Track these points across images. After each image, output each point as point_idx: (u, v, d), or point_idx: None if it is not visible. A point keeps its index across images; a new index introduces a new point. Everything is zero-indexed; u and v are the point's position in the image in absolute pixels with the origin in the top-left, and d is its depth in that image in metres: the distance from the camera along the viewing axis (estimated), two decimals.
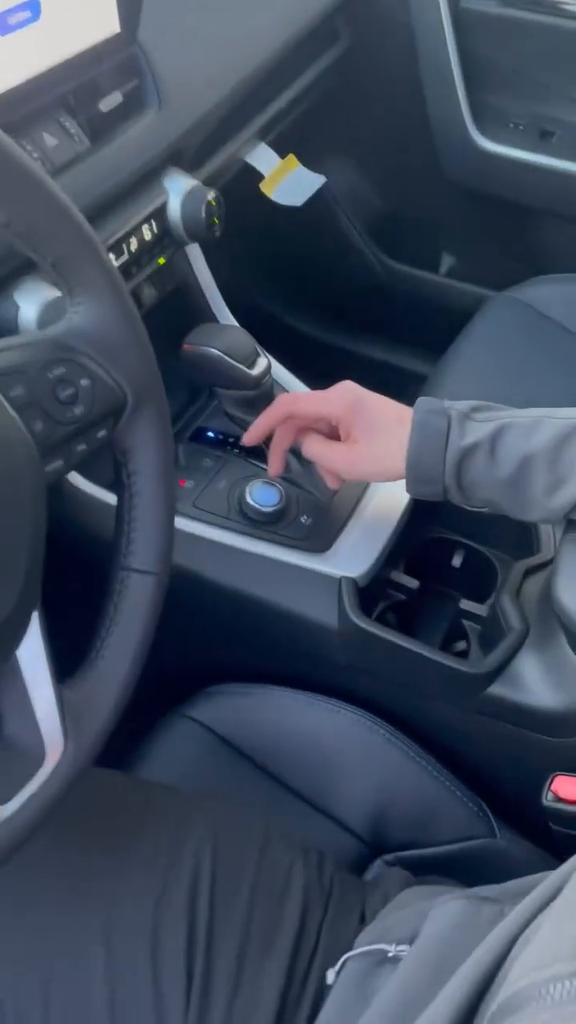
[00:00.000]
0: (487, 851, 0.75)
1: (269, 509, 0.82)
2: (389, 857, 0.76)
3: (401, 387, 1.51)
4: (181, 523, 0.80)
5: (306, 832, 0.75)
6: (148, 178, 0.85)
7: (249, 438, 0.79)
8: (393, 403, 0.73)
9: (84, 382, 0.51)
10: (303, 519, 0.83)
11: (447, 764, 0.78)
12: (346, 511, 0.85)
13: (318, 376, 1.41)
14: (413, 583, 0.86)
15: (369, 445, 0.71)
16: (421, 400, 0.70)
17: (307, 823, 0.76)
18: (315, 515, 0.84)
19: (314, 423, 0.76)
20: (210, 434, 0.90)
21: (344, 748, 0.78)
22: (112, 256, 0.79)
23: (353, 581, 0.79)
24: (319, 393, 0.75)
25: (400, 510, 0.85)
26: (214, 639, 0.88)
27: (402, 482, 0.73)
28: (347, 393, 0.73)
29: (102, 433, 0.52)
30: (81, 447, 0.51)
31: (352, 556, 0.81)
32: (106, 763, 0.61)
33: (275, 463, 0.80)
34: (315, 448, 0.75)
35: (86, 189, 0.76)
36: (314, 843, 0.75)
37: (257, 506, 0.81)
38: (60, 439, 0.50)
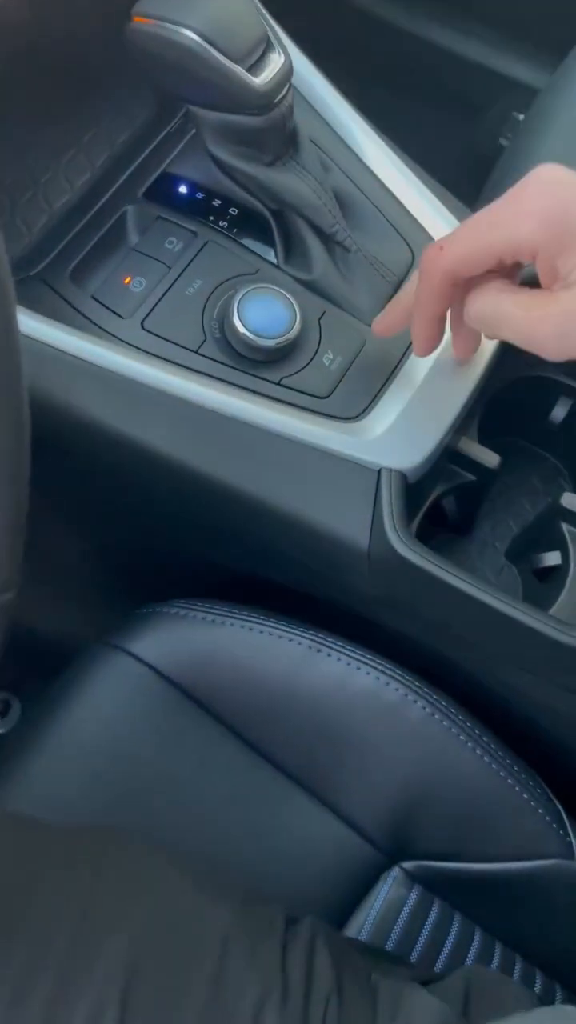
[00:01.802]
0: (559, 877, 0.51)
1: (272, 341, 0.48)
2: (410, 866, 0.53)
3: (492, 101, 1.06)
4: (116, 359, 0.47)
5: (294, 833, 0.52)
6: None
7: (382, 326, 0.48)
8: None
9: None
10: (327, 359, 0.50)
11: (513, 751, 0.53)
12: (399, 349, 0.51)
13: (365, 77, 0.96)
14: (491, 459, 0.55)
15: None
16: None
17: (297, 817, 0.52)
18: (349, 352, 0.50)
19: (487, 266, 0.41)
20: (182, 188, 0.53)
21: (362, 719, 0.52)
22: None
23: (401, 477, 0.48)
24: (492, 210, 0.40)
25: (489, 348, 0.52)
26: (161, 534, 0.58)
27: None
28: (545, 197, 0.39)
29: None
30: None
31: (403, 430, 0.49)
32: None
33: (425, 341, 0.46)
34: (495, 305, 0.41)
35: None
36: (307, 845, 0.52)
37: (251, 334, 0.48)
38: None
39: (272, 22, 0.51)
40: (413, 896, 0.52)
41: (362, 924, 0.51)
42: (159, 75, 0.48)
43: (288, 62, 0.48)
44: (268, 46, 0.48)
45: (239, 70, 0.46)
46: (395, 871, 0.53)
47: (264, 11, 0.51)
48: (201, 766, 0.52)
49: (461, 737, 0.52)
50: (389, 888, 0.53)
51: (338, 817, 0.53)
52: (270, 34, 0.48)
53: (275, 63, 0.47)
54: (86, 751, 0.51)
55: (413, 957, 0.51)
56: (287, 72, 0.48)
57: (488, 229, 0.40)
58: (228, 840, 0.51)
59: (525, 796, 0.52)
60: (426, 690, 0.52)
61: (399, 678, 0.52)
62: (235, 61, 0.46)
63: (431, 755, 0.52)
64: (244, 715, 0.53)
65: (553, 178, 0.39)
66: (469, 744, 0.52)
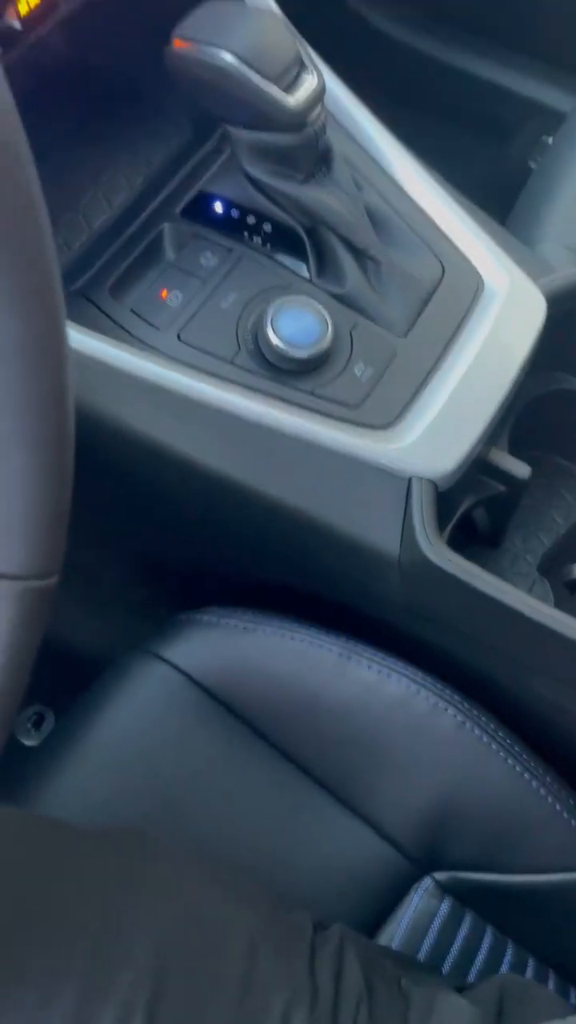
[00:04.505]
0: None
1: (305, 352, 0.49)
2: (442, 877, 0.53)
3: (522, 124, 1.08)
4: (154, 370, 0.49)
5: (325, 841, 0.52)
6: None
7: None
8: None
9: None
10: (358, 369, 0.51)
11: (545, 761, 0.53)
12: (431, 357, 0.52)
13: (398, 102, 0.98)
14: (522, 470, 0.55)
15: None
16: None
17: (327, 825, 0.52)
18: (380, 363, 0.51)
19: None
20: (217, 206, 0.55)
21: (393, 727, 0.52)
22: None
23: (432, 485, 0.49)
24: None
25: (518, 361, 0.52)
26: (195, 543, 0.59)
27: (530, 313, 0.40)
28: None
29: None
30: None
31: (434, 439, 0.50)
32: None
33: None
34: None
35: None
36: (337, 854, 0.52)
37: (284, 345, 0.49)
38: None
39: (305, 44, 0.53)
40: (444, 907, 0.52)
41: (393, 935, 0.51)
42: (198, 96, 0.50)
43: (321, 82, 0.50)
44: (302, 67, 0.49)
45: (274, 89, 0.47)
46: (426, 882, 0.53)
47: (297, 33, 0.53)
48: (232, 772, 0.52)
49: (492, 747, 0.52)
50: (420, 899, 0.52)
51: (369, 826, 0.52)
52: (303, 55, 0.50)
53: (308, 83, 0.49)
54: (120, 754, 0.52)
55: (444, 969, 0.50)
56: (320, 91, 0.49)
57: None
58: (258, 847, 0.51)
59: (558, 807, 0.51)
60: (457, 698, 0.52)
61: (430, 686, 0.52)
62: (271, 81, 0.47)
63: (462, 765, 0.52)
64: (276, 722, 0.53)
65: None
66: (500, 754, 0.52)
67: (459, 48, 1.15)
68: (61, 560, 0.26)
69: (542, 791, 0.52)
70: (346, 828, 0.52)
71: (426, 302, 0.53)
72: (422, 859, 0.53)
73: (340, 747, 0.52)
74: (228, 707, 0.53)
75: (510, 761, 0.52)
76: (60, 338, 0.24)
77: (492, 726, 0.52)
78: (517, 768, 0.52)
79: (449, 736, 0.52)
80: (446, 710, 0.52)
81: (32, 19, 0.47)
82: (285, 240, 0.53)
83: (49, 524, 0.25)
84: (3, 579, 0.25)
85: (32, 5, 0.47)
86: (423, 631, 0.54)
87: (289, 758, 0.53)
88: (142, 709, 0.54)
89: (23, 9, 0.46)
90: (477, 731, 0.52)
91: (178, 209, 0.55)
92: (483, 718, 0.52)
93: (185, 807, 0.51)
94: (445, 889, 0.53)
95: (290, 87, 0.48)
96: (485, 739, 0.52)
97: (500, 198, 0.86)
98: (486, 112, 1.10)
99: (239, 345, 0.50)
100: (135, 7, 0.52)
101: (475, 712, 0.52)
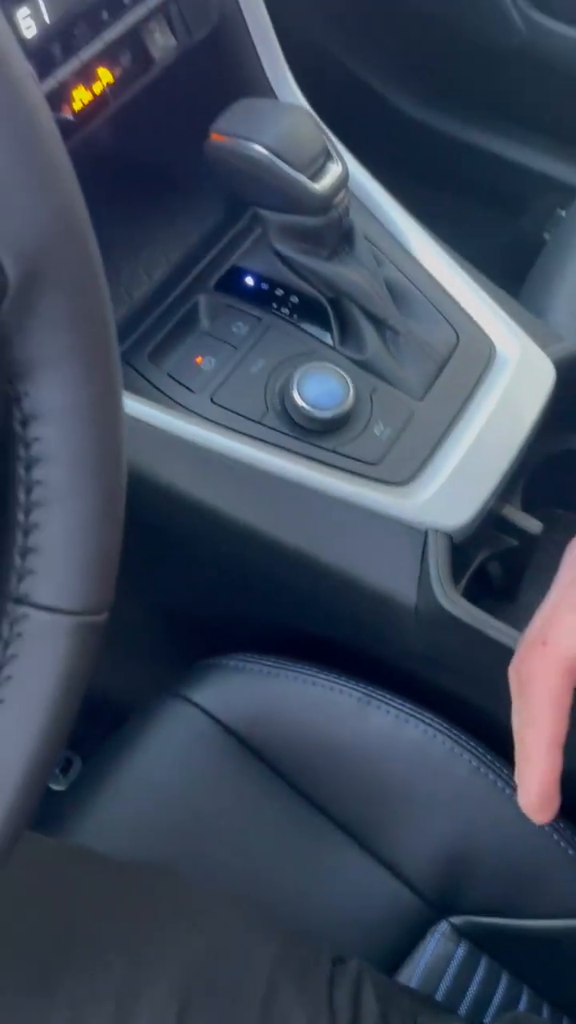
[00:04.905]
0: None
1: (328, 413, 0.53)
2: (458, 921, 0.54)
3: (536, 198, 1.13)
4: (189, 428, 0.52)
5: (343, 883, 0.54)
6: None
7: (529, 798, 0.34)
8: None
9: None
10: (378, 429, 0.54)
11: (562, 809, 0.54)
12: (446, 418, 0.55)
13: (419, 178, 1.04)
14: (534, 526, 0.58)
15: None
16: None
17: (346, 868, 0.54)
18: (398, 423, 0.55)
19: None
20: (248, 280, 0.59)
21: (411, 771, 0.54)
22: None
23: (447, 537, 0.52)
24: None
25: (528, 423, 0.56)
26: (223, 591, 0.62)
27: (539, 379, 0.43)
28: None
29: None
30: None
31: (449, 494, 0.53)
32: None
33: (547, 785, 0.34)
34: None
35: None
36: (355, 895, 0.54)
37: (309, 407, 0.53)
38: None
39: (331, 135, 0.58)
40: (461, 951, 0.53)
41: (409, 977, 0.52)
42: (233, 182, 0.55)
43: (344, 170, 0.54)
44: (327, 156, 0.54)
45: (302, 178, 0.52)
46: (443, 925, 0.54)
47: (324, 126, 0.58)
48: (254, 812, 0.55)
49: (507, 792, 0.54)
50: (437, 942, 0.54)
51: (387, 868, 0.54)
52: (329, 146, 0.55)
53: (333, 171, 0.53)
54: (149, 791, 0.54)
55: (460, 1012, 0.51)
56: (344, 178, 0.54)
57: None
58: (278, 885, 0.53)
59: (571, 852, 0.53)
60: (472, 744, 0.54)
61: (446, 732, 0.54)
62: (299, 170, 0.52)
63: (478, 810, 0.54)
64: (297, 763, 0.55)
65: None
66: (515, 799, 0.54)
67: (476, 126, 1.22)
68: (112, 598, 0.29)
69: (555, 836, 0.53)
70: (364, 870, 0.54)
71: (441, 368, 0.57)
72: (438, 902, 0.54)
73: (359, 790, 0.54)
74: (251, 748, 0.55)
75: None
76: (118, 400, 0.28)
77: (507, 772, 0.54)
78: None
79: (465, 781, 0.54)
80: (462, 755, 0.54)
81: (84, 114, 0.52)
82: (310, 311, 0.57)
83: (102, 565, 0.28)
84: (61, 613, 0.28)
85: (85, 102, 0.52)
86: (439, 678, 0.56)
87: (309, 799, 0.55)
88: (170, 749, 0.56)
89: (77, 106, 0.51)
90: (492, 776, 0.54)
91: (212, 282, 0.59)
92: (498, 764, 0.54)
93: (209, 845, 0.53)
94: (461, 933, 0.54)
95: (317, 175, 0.53)
96: (499, 784, 0.54)
97: (516, 267, 0.91)
98: (502, 186, 1.16)
99: (267, 406, 0.54)
100: (176, 104, 0.58)
101: (490, 757, 0.54)
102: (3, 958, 0.39)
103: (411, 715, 0.55)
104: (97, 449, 0.27)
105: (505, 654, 0.50)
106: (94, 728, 0.67)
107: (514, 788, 0.54)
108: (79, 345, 0.26)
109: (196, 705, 0.56)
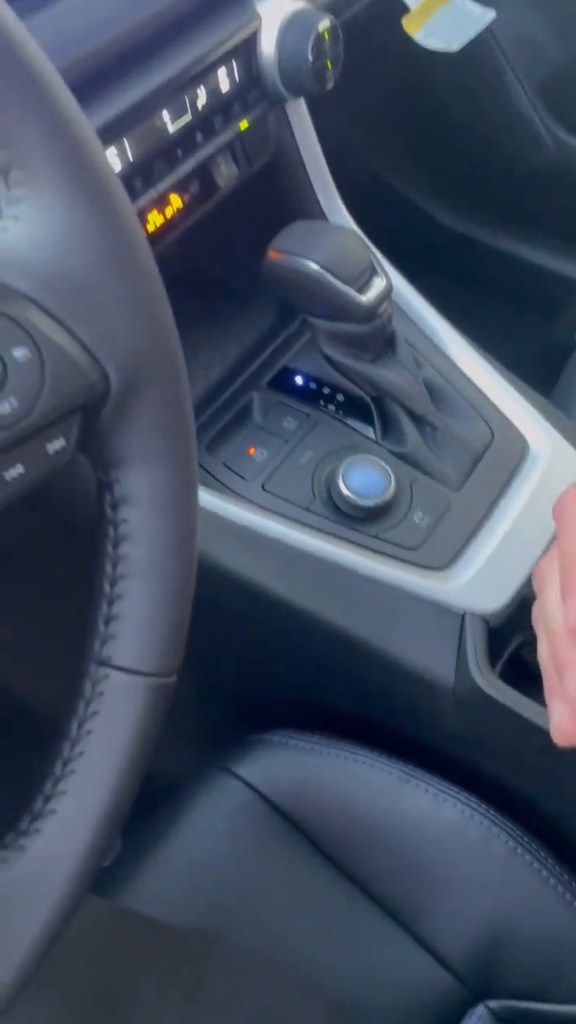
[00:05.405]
0: None
1: (371, 501, 0.57)
2: (495, 1005, 0.54)
3: (568, 303, 1.20)
4: (242, 514, 0.57)
5: (381, 961, 0.54)
6: None
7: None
8: None
9: (20, 354, 0.27)
10: (417, 517, 0.58)
11: None
12: (482, 509, 0.59)
13: (457, 283, 1.11)
14: None
15: None
16: None
17: (384, 946, 0.55)
18: (436, 512, 0.58)
19: None
20: (298, 379, 0.65)
21: (449, 851, 0.56)
22: (166, 116, 0.53)
23: (483, 621, 0.55)
24: None
25: None
26: (269, 668, 0.65)
27: (569, 473, 0.46)
28: None
29: (58, 446, 0.29)
30: (14, 472, 0.28)
31: (485, 580, 0.56)
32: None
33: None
34: None
35: (126, 5, 0.50)
36: (393, 974, 0.54)
37: (353, 496, 0.57)
38: None
39: (376, 251, 0.64)
40: None
41: None
42: (287, 293, 0.61)
43: (388, 283, 0.60)
44: (373, 271, 0.59)
45: (350, 291, 0.57)
46: (480, 1009, 0.54)
47: (370, 244, 0.64)
48: (295, 886, 0.56)
49: (543, 873, 0.55)
50: None
51: (425, 949, 0.55)
52: (374, 262, 0.60)
53: (378, 285, 0.59)
54: (193, 863, 0.56)
55: None
56: (387, 290, 0.60)
57: None
58: (316, 962, 0.54)
59: None
60: (510, 825, 0.56)
61: (483, 812, 0.56)
62: (347, 284, 0.57)
63: (515, 892, 0.55)
64: (337, 840, 0.57)
65: None
66: (551, 881, 0.55)
67: (509, 235, 1.30)
68: (181, 662, 0.33)
69: None
70: (401, 948, 0.55)
71: (477, 461, 0.61)
72: (476, 985, 0.54)
73: (397, 867, 0.56)
74: (293, 823, 0.57)
75: (560, 889, 0.55)
76: (194, 491, 0.32)
77: (543, 853, 0.55)
78: (567, 896, 0.54)
79: (502, 862, 0.55)
80: (499, 835, 0.55)
81: (157, 235, 0.59)
82: (355, 408, 0.62)
83: (175, 632, 0.32)
84: (138, 675, 0.32)
85: (158, 224, 0.58)
86: (477, 758, 0.58)
87: (348, 875, 0.56)
88: (216, 821, 0.58)
89: (151, 228, 0.58)
90: (528, 857, 0.55)
91: (265, 381, 0.64)
92: (534, 845, 0.56)
93: (251, 916, 0.54)
94: (498, 1017, 0.54)
95: (363, 288, 0.58)
96: (536, 865, 0.55)
97: (549, 368, 0.95)
98: (535, 292, 1.23)
99: (314, 494, 0.58)
100: (236, 224, 0.64)
101: (526, 839, 0.56)
102: (59, 1015, 0.41)
103: (449, 795, 0.56)
104: (175, 532, 0.32)
105: (541, 736, 0.52)
106: (138, 804, 0.69)
107: (550, 871, 0.55)
108: (165, 442, 0.30)
109: (241, 779, 0.58)
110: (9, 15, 0.26)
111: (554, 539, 0.44)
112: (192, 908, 0.54)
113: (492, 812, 0.56)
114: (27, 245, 0.27)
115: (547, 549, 0.58)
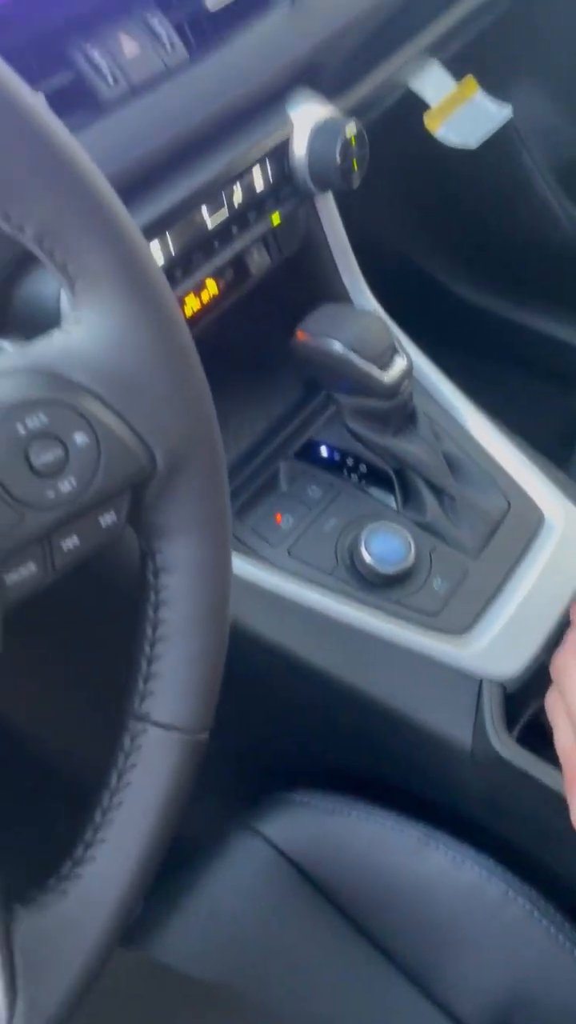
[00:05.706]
0: None
1: (391, 568, 0.60)
2: None
3: None
4: (267, 578, 0.60)
5: (397, 1019, 0.55)
6: (266, 103, 0.63)
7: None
8: None
9: (80, 439, 0.31)
10: (436, 584, 0.61)
11: None
12: (499, 576, 0.61)
13: (477, 356, 1.15)
14: None
15: None
16: None
17: (402, 1006, 0.56)
18: (455, 579, 0.61)
19: None
20: (323, 450, 0.68)
21: (466, 914, 0.57)
22: (205, 212, 0.58)
23: (500, 687, 0.57)
24: None
25: (575, 582, 0.61)
26: (292, 727, 0.67)
27: None
28: None
29: (109, 519, 0.32)
30: (70, 543, 0.31)
31: (502, 645, 0.58)
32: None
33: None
34: None
35: (172, 115, 0.55)
36: None
37: (375, 563, 0.60)
38: (31, 533, 0.30)
39: (399, 332, 0.68)
40: None
41: None
42: (314, 371, 0.65)
43: (409, 362, 0.64)
44: (395, 351, 0.63)
45: (373, 369, 0.61)
46: None
47: (392, 324, 0.68)
48: (314, 945, 0.57)
49: (560, 938, 0.55)
50: None
51: (442, 1012, 0.55)
52: (396, 343, 0.64)
53: (400, 363, 0.63)
54: (214, 919, 0.57)
55: None
56: (408, 369, 0.63)
57: None
58: (334, 1021, 0.55)
59: None
60: (527, 888, 0.57)
61: (500, 875, 0.57)
62: (370, 363, 0.61)
63: (531, 956, 0.56)
64: (356, 900, 0.58)
65: None
66: (568, 945, 0.55)
67: (527, 309, 1.35)
68: (213, 720, 0.35)
69: None
70: (419, 1010, 0.56)
71: (494, 531, 0.63)
72: None
73: (415, 928, 0.57)
74: (314, 882, 0.59)
75: None
76: (228, 560, 0.35)
77: (560, 917, 0.56)
78: None
79: (519, 925, 0.56)
80: (516, 899, 0.56)
81: (195, 317, 0.63)
82: (377, 478, 0.66)
83: (209, 691, 0.35)
84: (174, 731, 0.34)
85: (195, 309, 0.63)
86: (495, 820, 0.59)
87: (367, 935, 0.57)
88: (239, 878, 0.60)
89: (188, 312, 0.62)
90: (545, 922, 0.56)
91: (292, 451, 0.68)
92: (551, 909, 0.56)
93: (270, 973, 0.55)
94: None
95: (385, 367, 0.62)
96: (553, 930, 0.56)
97: (566, 439, 0.99)
98: (553, 364, 1.27)
99: (337, 560, 0.61)
100: (267, 306, 0.69)
101: (543, 903, 0.56)
102: None
103: (467, 857, 0.58)
104: (210, 598, 0.35)
105: (558, 801, 0.54)
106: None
107: (567, 936, 0.56)
108: (204, 516, 0.34)
109: (264, 837, 0.60)
110: (63, 133, 0.30)
111: (570, 626, 0.46)
112: (214, 963, 0.56)
113: (509, 875, 0.57)
114: (88, 345, 0.31)
115: (563, 616, 0.60)
